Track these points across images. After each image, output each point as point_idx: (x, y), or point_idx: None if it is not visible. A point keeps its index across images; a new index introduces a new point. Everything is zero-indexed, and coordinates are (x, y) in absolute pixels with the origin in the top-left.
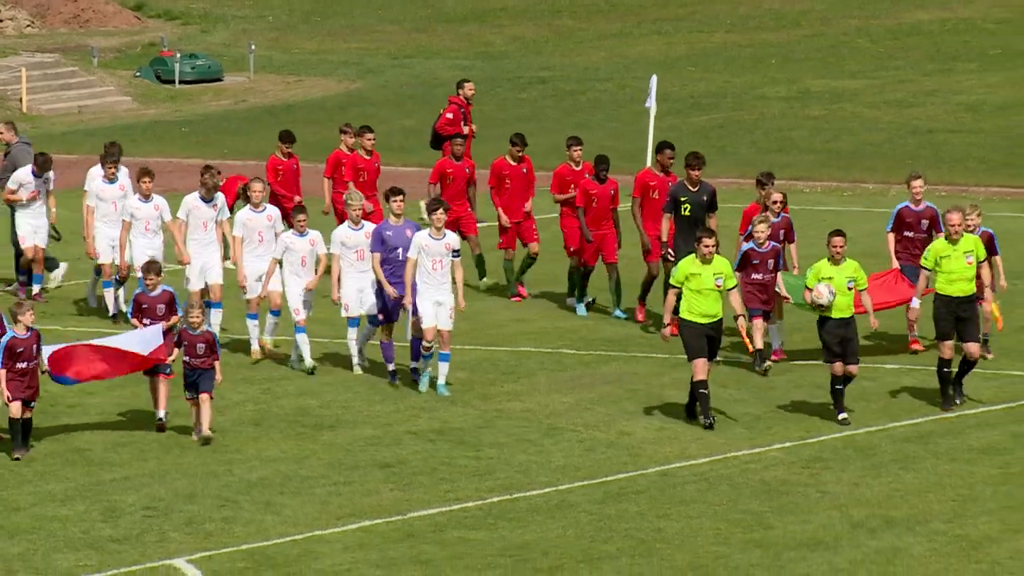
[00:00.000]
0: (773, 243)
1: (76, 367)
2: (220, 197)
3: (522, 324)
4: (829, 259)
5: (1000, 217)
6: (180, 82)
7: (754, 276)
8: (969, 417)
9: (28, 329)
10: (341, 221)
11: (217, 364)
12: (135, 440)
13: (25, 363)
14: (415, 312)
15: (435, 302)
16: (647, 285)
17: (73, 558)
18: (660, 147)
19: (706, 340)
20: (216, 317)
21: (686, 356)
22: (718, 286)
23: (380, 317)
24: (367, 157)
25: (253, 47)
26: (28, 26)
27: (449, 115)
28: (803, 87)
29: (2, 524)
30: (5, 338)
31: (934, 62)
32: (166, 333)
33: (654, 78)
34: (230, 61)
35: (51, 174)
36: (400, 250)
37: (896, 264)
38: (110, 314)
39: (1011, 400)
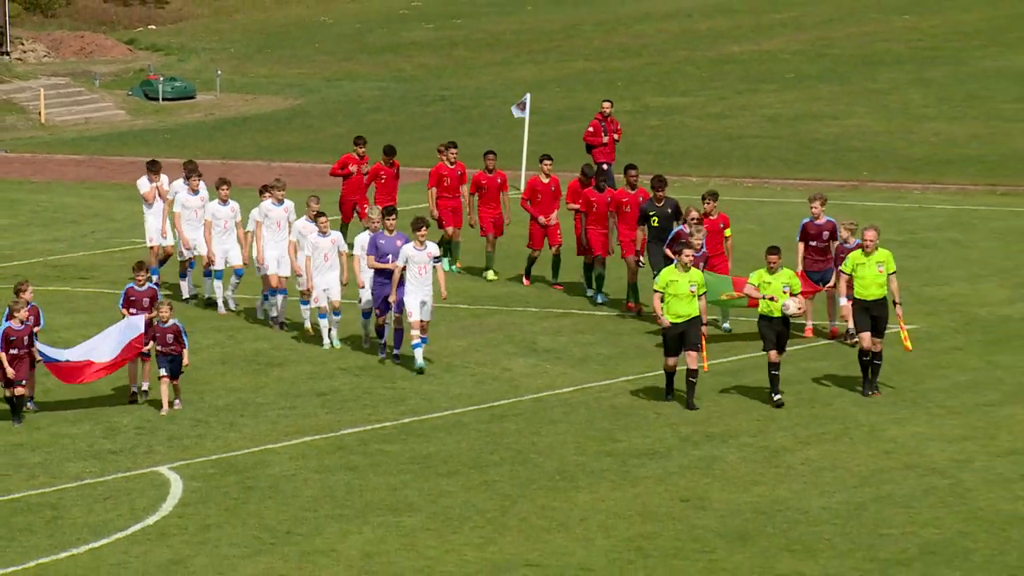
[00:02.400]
0: (704, 250)
1: (78, 377)
2: (289, 203)
3: None
4: (767, 270)
5: (794, 202)
6: (163, 99)
7: None
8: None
9: (22, 323)
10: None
11: (185, 351)
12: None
13: (16, 350)
14: (399, 309)
15: (421, 301)
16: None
17: (81, 465)
18: (626, 169)
19: (679, 337)
20: (279, 301)
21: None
22: (692, 291)
23: (376, 311)
24: (451, 167)
25: (219, 72)
26: (45, 56)
27: (591, 128)
28: (644, 103)
29: (26, 440)
30: (1, 328)
31: (744, 84)
32: (147, 324)
33: (527, 95)
34: (202, 83)
35: (165, 177)
36: (389, 256)
37: (800, 268)
38: (186, 296)
39: (805, 343)
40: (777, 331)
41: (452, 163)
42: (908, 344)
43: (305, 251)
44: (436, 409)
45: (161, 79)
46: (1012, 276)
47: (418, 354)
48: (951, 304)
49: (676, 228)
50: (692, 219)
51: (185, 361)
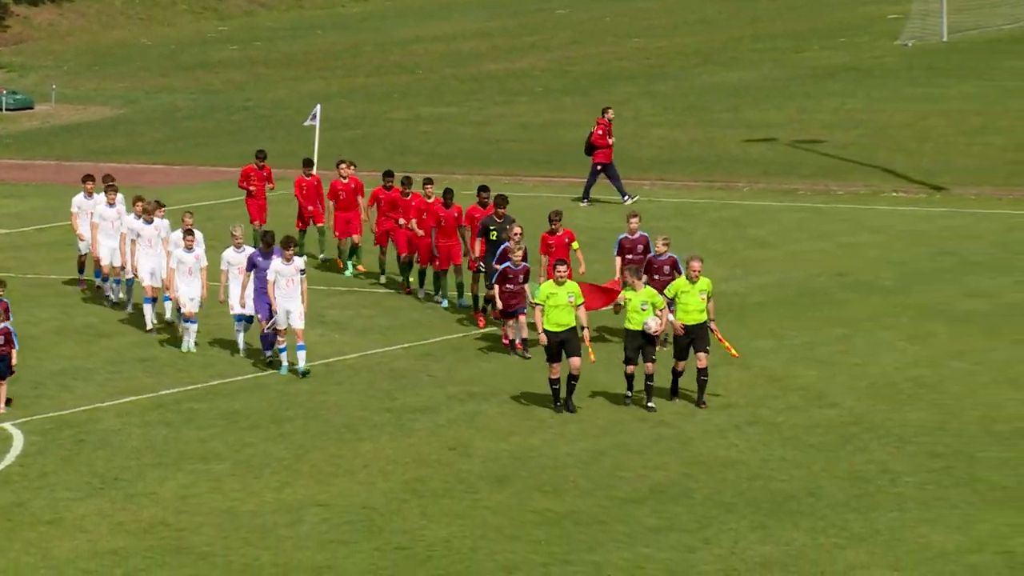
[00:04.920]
0: (524, 263)
1: None
2: (159, 220)
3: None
4: (626, 287)
5: (544, 196)
6: (5, 109)
7: (508, 287)
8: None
9: None
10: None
11: (14, 352)
12: None
13: None
14: (269, 317)
15: (287, 310)
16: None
17: None
18: (478, 190)
19: (560, 345)
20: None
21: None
22: (571, 302)
23: (258, 316)
24: (344, 181)
25: (54, 87)
26: None
27: (599, 131)
28: (417, 112)
29: None
30: None
31: (501, 96)
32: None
33: (318, 106)
34: (39, 96)
35: (99, 196)
36: (267, 271)
37: (617, 277)
38: (112, 301)
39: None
40: (639, 344)
41: (345, 178)
42: (733, 352)
43: (171, 263)
44: (240, 373)
45: (4, 92)
46: (726, 258)
47: (301, 356)
48: None
49: (503, 245)
50: (515, 235)
51: (13, 360)
